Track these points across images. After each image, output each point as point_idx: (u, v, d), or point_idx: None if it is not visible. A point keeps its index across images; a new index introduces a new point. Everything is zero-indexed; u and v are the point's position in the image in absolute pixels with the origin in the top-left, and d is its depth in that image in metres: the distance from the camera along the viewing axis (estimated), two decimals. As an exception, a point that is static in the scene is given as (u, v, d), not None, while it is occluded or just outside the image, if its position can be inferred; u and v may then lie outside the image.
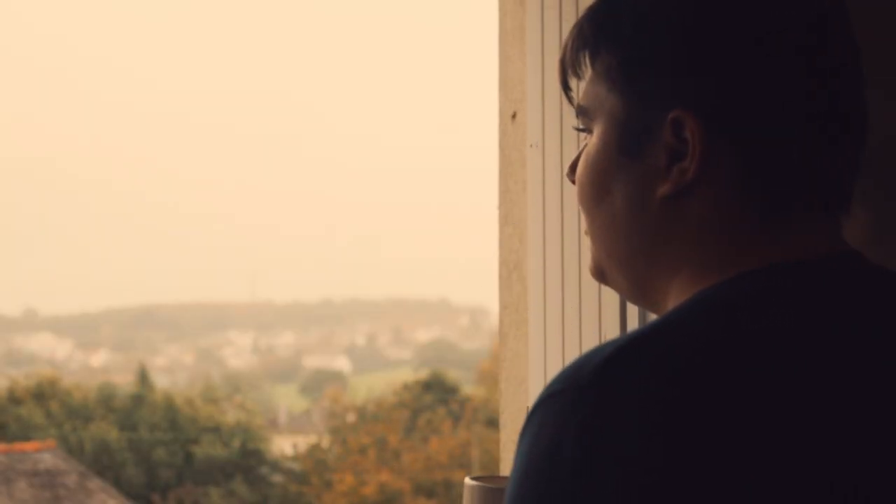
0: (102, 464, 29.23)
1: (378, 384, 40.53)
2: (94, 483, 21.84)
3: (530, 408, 0.84)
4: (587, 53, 0.99)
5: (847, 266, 0.92)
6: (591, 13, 0.99)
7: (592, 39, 0.98)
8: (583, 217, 1.02)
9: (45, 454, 22.02)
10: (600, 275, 1.03)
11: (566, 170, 1.06)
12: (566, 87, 1.04)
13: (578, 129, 1.02)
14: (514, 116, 2.15)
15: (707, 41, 0.91)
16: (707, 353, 0.81)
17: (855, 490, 0.78)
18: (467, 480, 1.24)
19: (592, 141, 0.99)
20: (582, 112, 1.00)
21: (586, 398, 0.80)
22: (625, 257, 0.98)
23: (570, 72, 1.02)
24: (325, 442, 30.87)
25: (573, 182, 1.02)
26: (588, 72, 0.99)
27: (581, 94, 1.00)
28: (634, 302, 1.03)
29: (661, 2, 0.94)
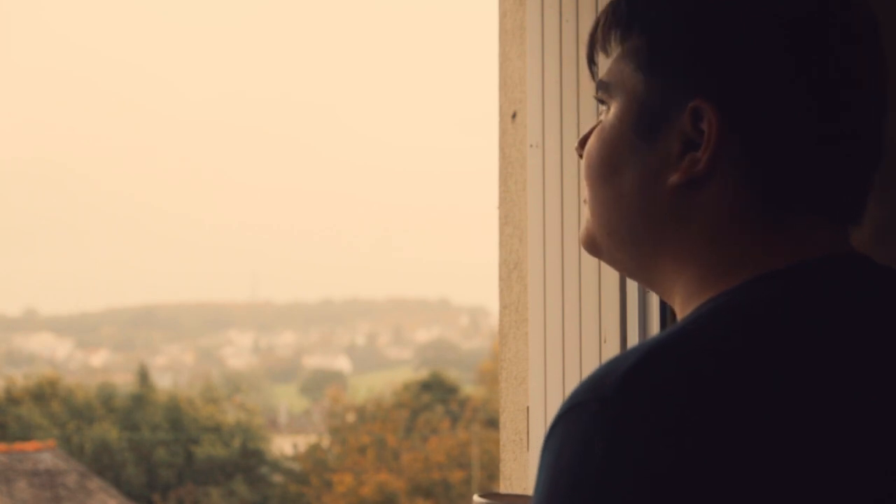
0: (102, 464, 29.23)
1: (378, 384, 40.52)
2: (94, 483, 21.84)
3: (552, 420, 0.84)
4: (619, 31, 0.98)
5: (859, 270, 0.92)
6: None
7: (626, 17, 0.97)
8: (584, 188, 1.00)
9: (45, 454, 22.02)
10: (593, 247, 1.01)
11: (576, 145, 1.05)
12: (591, 62, 1.02)
13: (597, 98, 1.01)
14: (514, 116, 2.15)
15: (739, 36, 0.91)
16: (729, 362, 0.81)
17: (873, 498, 0.79)
18: (476, 498, 1.22)
19: (609, 117, 0.98)
20: (603, 87, 0.99)
21: (612, 409, 0.79)
22: (629, 239, 0.97)
23: (598, 47, 1.01)
24: (325, 442, 30.88)
25: (580, 156, 1.01)
26: (616, 49, 0.98)
27: (605, 70, 1.00)
28: (632, 277, 1.02)
29: None
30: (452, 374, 35.76)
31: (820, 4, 0.92)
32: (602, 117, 1.00)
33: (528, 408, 1.92)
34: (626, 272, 1.02)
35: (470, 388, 35.41)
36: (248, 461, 30.50)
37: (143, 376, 34.06)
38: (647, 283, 1.00)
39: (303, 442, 31.80)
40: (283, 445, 33.89)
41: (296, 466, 30.48)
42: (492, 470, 25.82)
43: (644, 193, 0.94)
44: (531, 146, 1.90)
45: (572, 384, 1.76)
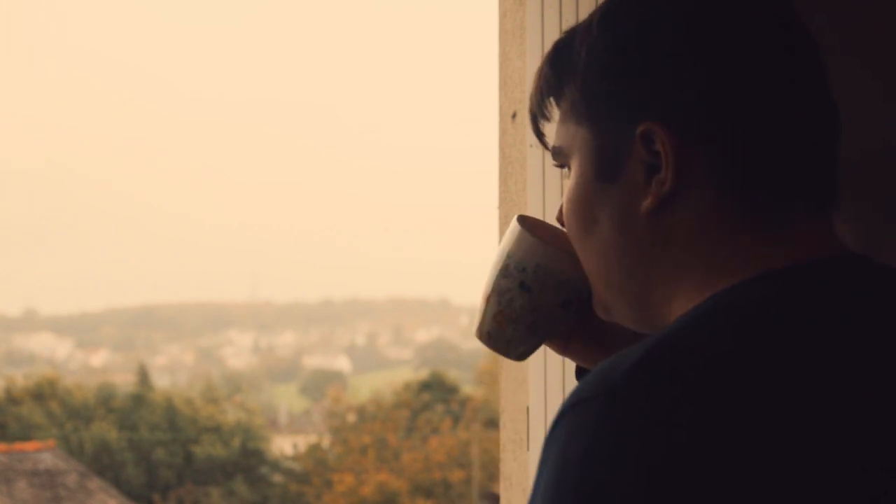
0: (102, 464, 29.25)
1: (378, 384, 40.55)
2: (94, 483, 21.84)
3: (556, 415, 0.84)
4: (552, 96, 1.00)
5: (856, 269, 0.92)
6: (550, 57, 1.01)
7: (555, 80, 0.99)
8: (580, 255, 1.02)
9: (45, 454, 22.03)
10: (605, 311, 1.03)
11: (556, 216, 1.06)
12: (539, 134, 1.05)
13: (557, 166, 1.03)
14: (514, 116, 2.15)
15: (667, 52, 0.91)
16: (726, 359, 0.81)
17: (862, 497, 0.79)
18: (516, 221, 1.16)
19: (571, 177, 0.99)
20: (557, 153, 1.01)
21: (619, 404, 0.80)
22: (622, 281, 0.98)
23: (540, 118, 1.03)
24: (326, 442, 30.89)
25: (563, 226, 1.03)
26: (556, 113, 1.00)
27: (554, 136, 1.01)
28: (641, 328, 1.02)
29: (611, 25, 0.95)
30: (452, 374, 35.79)
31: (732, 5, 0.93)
32: (567, 182, 1.01)
33: (528, 408, 1.92)
34: (634, 324, 1.02)
35: (470, 388, 35.44)
36: (248, 461, 30.51)
37: (143, 376, 34.08)
38: (651, 323, 0.99)
39: (303, 442, 31.82)
40: (284, 445, 33.92)
41: (296, 466, 30.50)
42: (492, 470, 25.83)
43: (624, 230, 0.95)
44: (531, 146, 1.90)
45: (572, 384, 1.76)
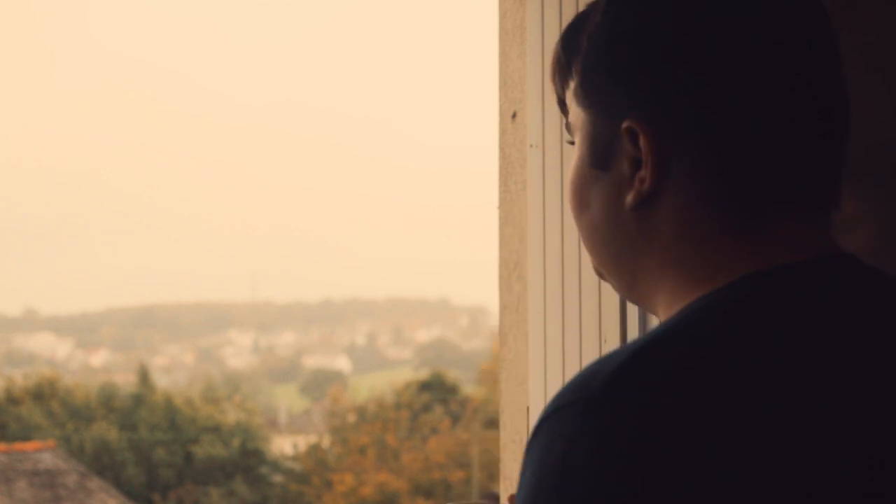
0: (102, 464, 29.25)
1: (378, 384, 40.54)
2: (94, 483, 21.85)
3: (537, 421, 0.84)
4: (562, 76, 1.01)
5: (845, 269, 0.91)
6: (562, 37, 1.02)
7: (565, 60, 1.00)
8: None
9: (45, 454, 22.04)
10: (600, 274, 1.04)
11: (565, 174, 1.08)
12: (563, 105, 1.06)
13: (570, 143, 1.04)
14: (514, 116, 2.15)
15: (655, 48, 0.91)
16: (714, 360, 0.81)
17: (859, 495, 0.78)
18: None
19: (574, 156, 1.01)
20: (568, 129, 1.03)
21: (599, 409, 0.79)
22: (610, 264, 0.99)
23: (558, 93, 1.04)
24: (326, 442, 30.90)
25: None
26: (568, 92, 1.02)
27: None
28: (629, 299, 1.03)
29: (609, 18, 0.95)
30: (452, 374, 35.77)
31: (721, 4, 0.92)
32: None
33: (528, 408, 1.92)
34: (623, 295, 1.04)
35: (470, 388, 35.46)
36: (248, 461, 30.51)
37: (144, 376, 34.07)
38: (637, 301, 1.01)
39: (303, 442, 31.83)
40: (283, 445, 33.93)
41: (296, 466, 30.51)
42: (492, 470, 25.82)
43: (611, 219, 0.96)
44: (531, 146, 1.90)
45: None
